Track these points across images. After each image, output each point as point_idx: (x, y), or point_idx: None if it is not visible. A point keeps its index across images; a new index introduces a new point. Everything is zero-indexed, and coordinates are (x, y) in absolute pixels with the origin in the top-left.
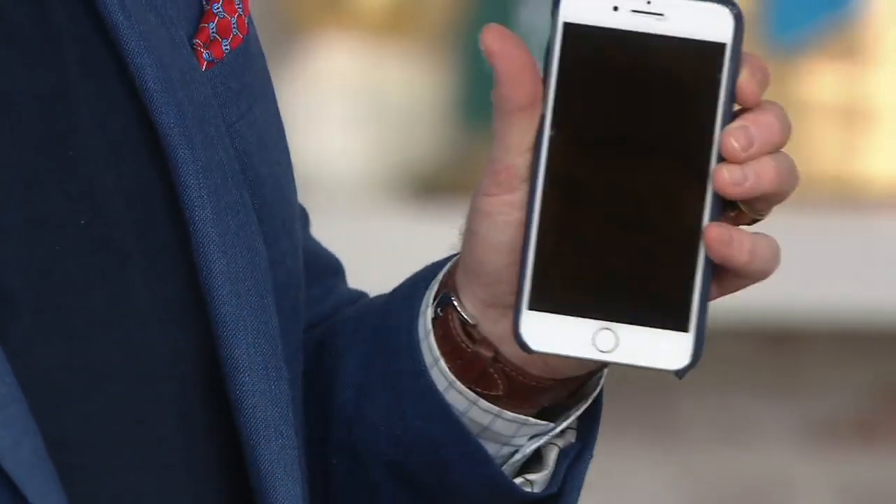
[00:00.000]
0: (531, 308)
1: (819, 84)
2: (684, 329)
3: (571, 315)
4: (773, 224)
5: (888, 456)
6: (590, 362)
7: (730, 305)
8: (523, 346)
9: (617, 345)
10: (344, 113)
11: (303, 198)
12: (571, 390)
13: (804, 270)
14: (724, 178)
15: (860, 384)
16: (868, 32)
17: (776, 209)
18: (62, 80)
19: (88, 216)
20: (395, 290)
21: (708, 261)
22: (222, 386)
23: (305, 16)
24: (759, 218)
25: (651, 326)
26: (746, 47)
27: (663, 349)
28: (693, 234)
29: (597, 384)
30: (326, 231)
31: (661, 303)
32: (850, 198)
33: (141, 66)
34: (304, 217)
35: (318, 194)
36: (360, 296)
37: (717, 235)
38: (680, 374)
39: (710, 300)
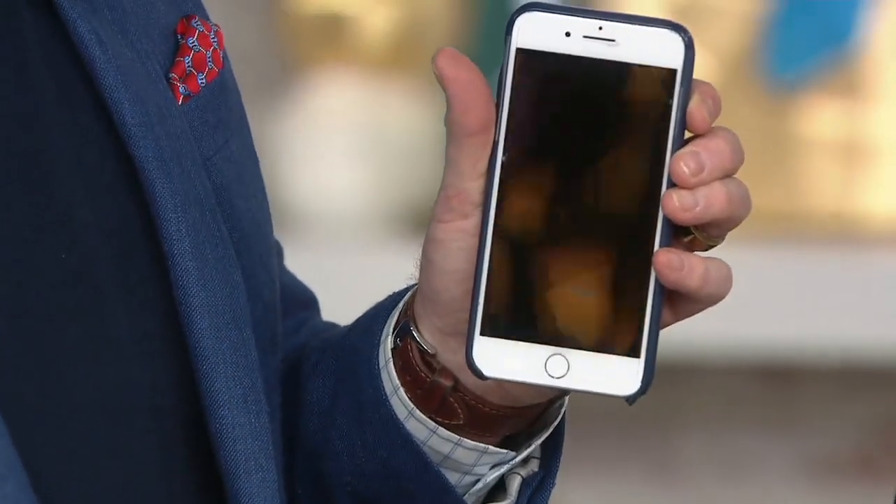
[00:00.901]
0: (483, 334)
1: (818, 120)
2: (636, 355)
3: (523, 341)
4: (771, 259)
5: (889, 493)
6: (542, 388)
7: (728, 341)
8: (475, 372)
9: (568, 370)
10: (344, 149)
11: (301, 234)
12: (532, 418)
13: (803, 306)
14: (674, 203)
15: (860, 420)
16: (868, 68)
17: (775, 243)
18: (36, 115)
19: (66, 250)
20: (357, 321)
21: (659, 286)
22: (202, 419)
23: (305, 51)
24: (713, 244)
25: (602, 352)
26: (745, 84)
27: (615, 375)
28: (644, 260)
29: (558, 412)
30: (326, 267)
31: (612, 329)
32: (849, 234)
33: (118, 100)
34: (279, 251)
35: (319, 230)
36: (333, 328)
37: (666, 261)
38: (630, 399)
39: (662, 326)
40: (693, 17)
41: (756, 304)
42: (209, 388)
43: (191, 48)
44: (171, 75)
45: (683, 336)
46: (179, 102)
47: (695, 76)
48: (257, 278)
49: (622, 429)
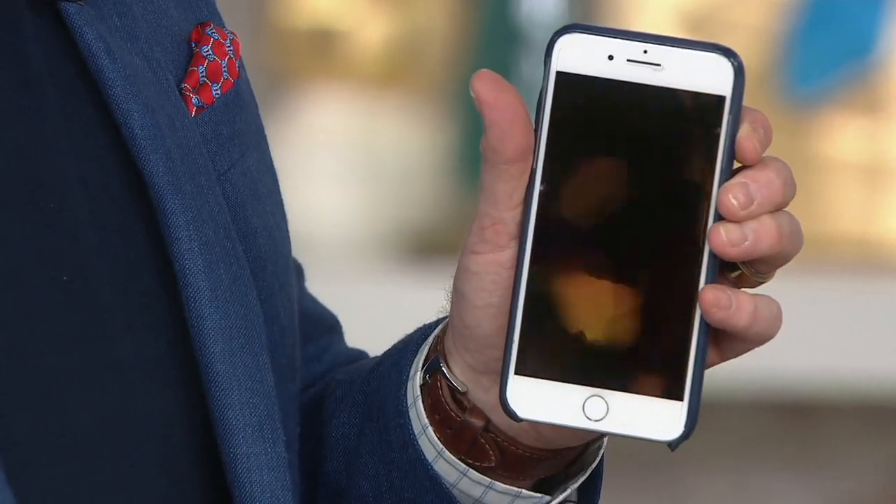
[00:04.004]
0: (518, 373)
1: (840, 139)
2: (679, 398)
3: (560, 381)
4: (790, 288)
5: None
6: (580, 431)
7: (745, 375)
8: (510, 414)
9: (607, 413)
10: (336, 169)
11: (293, 256)
12: (569, 460)
13: (824, 337)
14: (721, 237)
15: (886, 459)
16: (891, 85)
17: (794, 271)
18: (40, 129)
19: (69, 273)
20: (385, 354)
21: (704, 325)
22: (214, 449)
23: (295, 66)
24: (762, 280)
25: (643, 394)
26: (763, 100)
27: (656, 419)
28: (689, 297)
29: (596, 454)
30: (317, 292)
31: (655, 370)
32: (873, 260)
33: (127, 111)
34: (299, 272)
35: (309, 254)
36: (359, 355)
37: (713, 299)
38: (673, 445)
39: (707, 367)
40: (709, 31)
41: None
42: (222, 415)
43: (205, 57)
44: (183, 86)
45: None
46: (192, 114)
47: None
48: (274, 300)
49: (635, 466)
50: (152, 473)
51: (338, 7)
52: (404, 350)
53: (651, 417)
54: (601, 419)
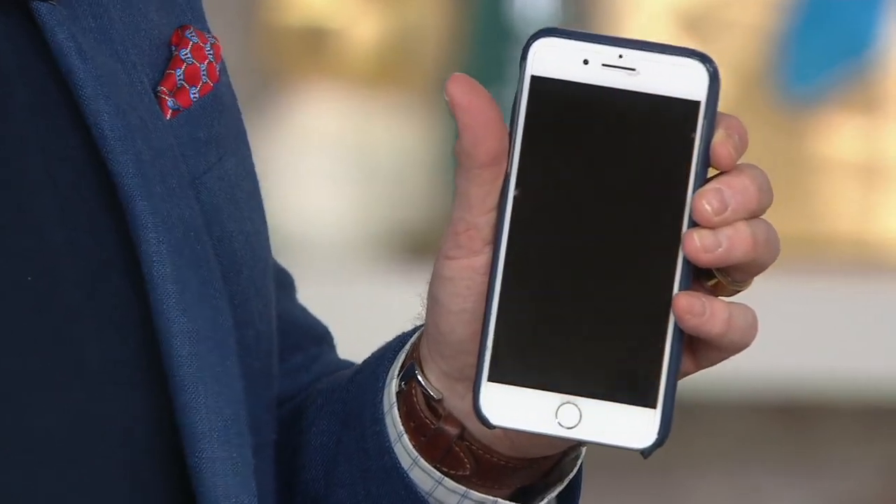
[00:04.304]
0: (491, 379)
1: (837, 138)
2: (652, 405)
3: (534, 388)
4: (786, 288)
5: None
6: (553, 439)
7: (742, 375)
8: (483, 421)
9: (580, 420)
10: (329, 169)
11: (284, 259)
12: (545, 470)
13: (821, 338)
14: (695, 243)
15: (884, 460)
16: (889, 83)
17: (791, 271)
18: (8, 128)
19: (35, 273)
20: (364, 362)
21: (678, 332)
22: (180, 453)
23: (287, 65)
24: (738, 289)
25: (617, 402)
26: (759, 99)
27: (629, 426)
28: (663, 304)
29: (574, 463)
30: (309, 294)
31: (628, 377)
32: (870, 261)
33: (97, 111)
34: (288, 282)
35: (302, 254)
36: (349, 366)
37: (687, 305)
38: (646, 453)
39: (682, 375)
40: (704, 30)
41: (771, 336)
42: (188, 419)
43: (183, 60)
44: (159, 88)
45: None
46: (168, 117)
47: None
48: (249, 305)
49: (631, 469)
50: (115, 476)
51: (330, 5)
52: (381, 358)
53: (624, 425)
54: (574, 426)
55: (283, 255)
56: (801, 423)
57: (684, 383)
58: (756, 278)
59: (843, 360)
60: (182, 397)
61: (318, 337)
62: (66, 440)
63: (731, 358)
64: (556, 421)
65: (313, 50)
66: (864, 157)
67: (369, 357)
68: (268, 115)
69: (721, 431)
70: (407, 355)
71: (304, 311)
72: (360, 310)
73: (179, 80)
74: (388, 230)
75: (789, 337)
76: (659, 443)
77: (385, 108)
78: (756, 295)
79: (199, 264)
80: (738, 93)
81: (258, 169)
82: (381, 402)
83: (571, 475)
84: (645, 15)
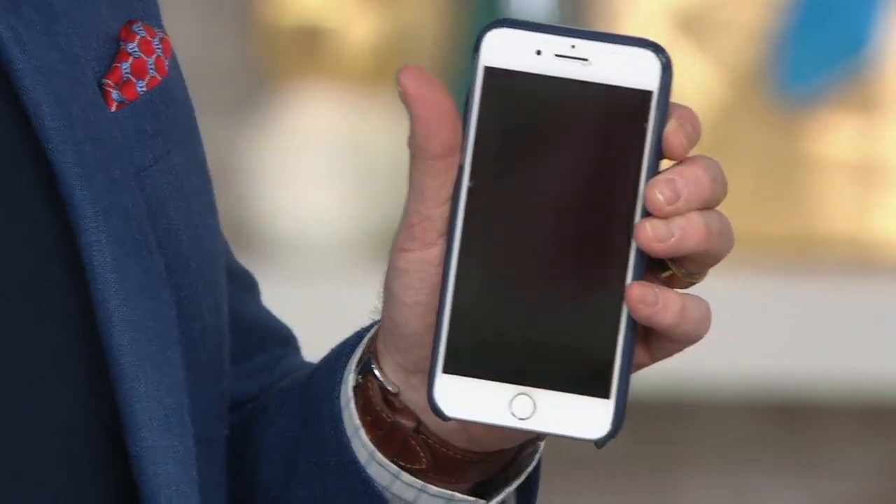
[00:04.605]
0: (446, 371)
1: (833, 138)
2: (605, 395)
3: (488, 379)
4: (782, 288)
5: None
6: (507, 430)
7: (737, 376)
8: (437, 412)
9: (534, 412)
10: (323, 169)
11: (278, 261)
12: (504, 464)
13: (816, 339)
14: (647, 233)
15: (879, 461)
16: (885, 83)
17: (787, 271)
18: None
19: None
20: (322, 359)
21: (632, 323)
22: (122, 442)
23: (282, 65)
24: (693, 281)
25: (570, 392)
26: (755, 99)
27: (583, 417)
28: (617, 295)
29: (532, 457)
30: (303, 297)
31: (582, 368)
32: (866, 261)
33: (36, 102)
34: (252, 284)
35: (295, 257)
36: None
37: (639, 295)
38: (599, 443)
39: (638, 367)
40: (700, 29)
41: (766, 336)
42: (129, 408)
43: (130, 54)
44: (104, 81)
45: (689, 371)
46: (112, 109)
47: (701, 91)
48: (197, 298)
49: (627, 469)
50: (54, 465)
51: (325, 5)
52: (339, 353)
53: (578, 416)
54: (528, 418)
55: (274, 256)
56: (799, 423)
57: (679, 384)
58: (751, 278)
59: (840, 360)
60: (123, 386)
61: (283, 339)
62: (2, 429)
63: (725, 357)
64: (511, 412)
65: (309, 49)
66: (861, 157)
67: (328, 353)
68: (264, 115)
69: (719, 432)
70: (364, 350)
71: (268, 313)
72: (356, 306)
73: (126, 73)
74: (383, 230)
75: (787, 337)
76: (613, 433)
77: (381, 107)
78: (750, 294)
79: (141, 254)
80: (735, 92)
81: (251, 169)
82: (338, 397)
83: (529, 469)
84: (641, 14)
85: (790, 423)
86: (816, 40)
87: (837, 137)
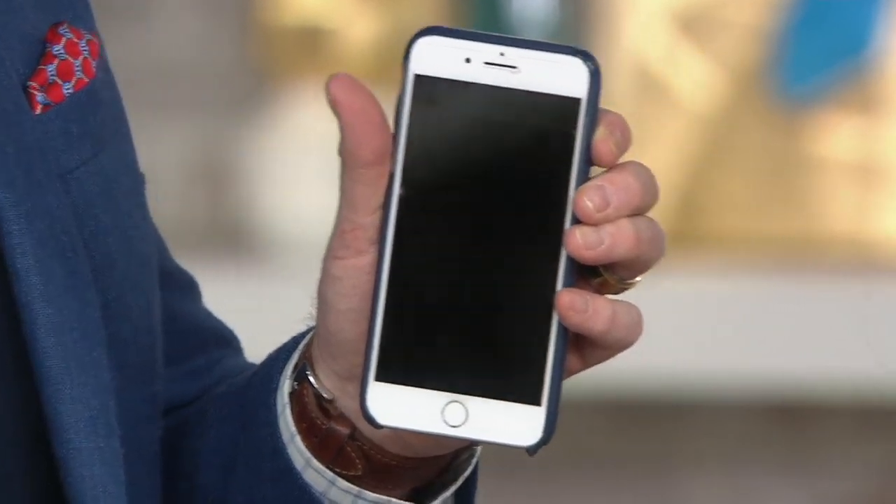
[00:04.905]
0: (378, 379)
1: (834, 138)
2: (537, 403)
3: (420, 387)
4: (782, 288)
5: None
6: (441, 438)
7: (737, 376)
8: (370, 420)
9: (467, 419)
10: (324, 168)
11: (277, 261)
12: (440, 469)
13: (817, 339)
14: (577, 240)
15: (878, 461)
16: (886, 82)
17: (787, 271)
18: None
19: None
20: (260, 364)
21: (562, 330)
22: (48, 444)
23: (282, 65)
24: (625, 287)
25: (502, 400)
26: (756, 99)
27: (515, 424)
28: (547, 302)
29: (469, 462)
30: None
31: (513, 375)
32: (867, 262)
33: None
34: (189, 284)
35: (296, 256)
36: (251, 369)
37: (569, 302)
38: (531, 451)
39: (570, 373)
40: (700, 29)
41: (767, 336)
42: (55, 409)
43: (56, 56)
44: (29, 83)
45: (689, 371)
46: (37, 111)
47: (702, 91)
48: (126, 298)
49: (625, 470)
50: None
51: (325, 5)
52: (276, 359)
53: (510, 423)
54: (460, 425)
55: (273, 257)
56: (799, 423)
57: (678, 384)
58: (751, 278)
59: (840, 360)
60: (48, 388)
61: (223, 340)
62: None
63: (725, 357)
64: (443, 420)
65: (309, 49)
66: (861, 157)
67: (266, 358)
68: (264, 115)
69: (719, 432)
70: (300, 356)
71: (207, 313)
72: None
73: (51, 75)
74: None
75: (787, 337)
76: (544, 441)
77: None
78: (750, 294)
79: (66, 256)
80: (735, 92)
81: (251, 169)
82: (274, 403)
83: (466, 474)
84: (642, 14)
85: (790, 422)
86: (817, 40)
87: (838, 137)
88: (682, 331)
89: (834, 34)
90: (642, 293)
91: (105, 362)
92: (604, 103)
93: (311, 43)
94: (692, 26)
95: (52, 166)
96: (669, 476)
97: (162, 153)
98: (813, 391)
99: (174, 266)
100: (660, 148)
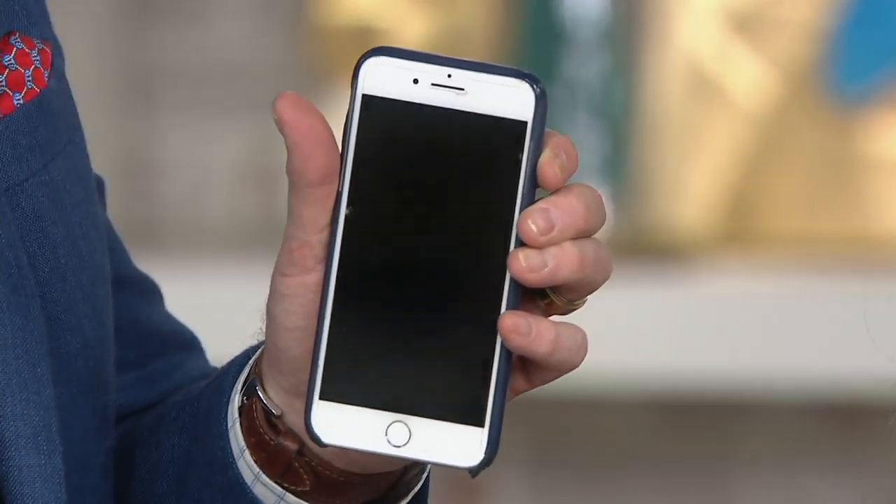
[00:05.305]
0: (323, 398)
1: (888, 138)
2: (480, 424)
3: (364, 406)
4: (836, 289)
5: None
6: (384, 457)
7: (791, 376)
8: (314, 439)
9: (410, 439)
10: None
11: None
12: (390, 484)
13: (871, 339)
14: (521, 263)
15: None
16: None
17: (841, 272)
18: None
19: None
20: (213, 375)
21: (506, 352)
22: None
23: (335, 64)
24: (572, 308)
25: (445, 420)
26: (810, 99)
27: (457, 445)
28: (491, 324)
29: (419, 477)
30: None
31: (456, 396)
32: None
33: None
34: (149, 288)
35: None
36: (210, 374)
37: (512, 325)
38: (473, 472)
39: (516, 393)
40: (754, 28)
41: (821, 337)
42: None
43: (6, 66)
44: None
45: (741, 371)
46: None
47: (755, 91)
48: (76, 310)
49: (676, 472)
50: None
51: (378, 5)
52: (227, 372)
53: (452, 443)
54: (403, 445)
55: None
56: (854, 423)
57: (731, 385)
58: (805, 278)
59: (893, 360)
60: None
61: (183, 343)
62: None
63: (779, 358)
64: (386, 439)
65: (362, 50)
66: None
67: (219, 370)
68: None
69: (771, 432)
70: (250, 370)
71: (168, 317)
72: None
73: (1, 86)
74: None
75: (838, 338)
76: (486, 462)
77: None
78: (803, 295)
79: (10, 272)
80: (789, 91)
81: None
82: (225, 416)
83: (416, 489)
84: (695, 13)
85: (845, 423)
86: (871, 39)
87: (892, 136)
88: (735, 331)
89: (888, 32)
90: (695, 292)
91: (48, 378)
92: (657, 103)
93: (364, 43)
94: (745, 25)
95: None
96: (724, 476)
97: (216, 153)
98: (867, 391)
99: (134, 271)
100: (713, 147)
